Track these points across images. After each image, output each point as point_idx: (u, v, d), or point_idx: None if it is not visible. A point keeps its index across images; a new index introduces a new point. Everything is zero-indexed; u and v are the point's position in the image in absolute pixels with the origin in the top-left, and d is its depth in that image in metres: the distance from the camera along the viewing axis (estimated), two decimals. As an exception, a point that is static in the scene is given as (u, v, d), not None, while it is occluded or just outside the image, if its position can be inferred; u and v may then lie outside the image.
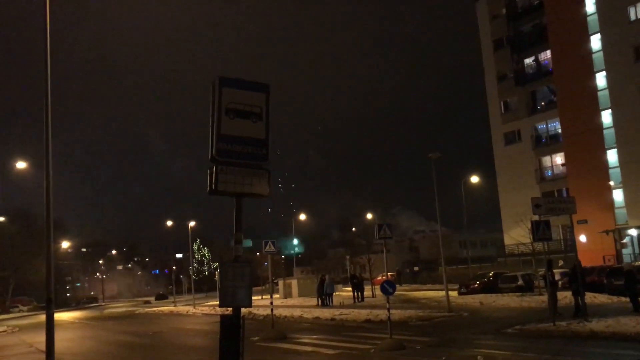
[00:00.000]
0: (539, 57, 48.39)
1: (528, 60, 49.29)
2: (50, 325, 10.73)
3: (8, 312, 58.73)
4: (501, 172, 50.63)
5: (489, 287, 33.34)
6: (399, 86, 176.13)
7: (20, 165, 31.38)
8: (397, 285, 16.85)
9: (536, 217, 17.24)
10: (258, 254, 71.36)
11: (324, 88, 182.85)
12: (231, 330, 4.71)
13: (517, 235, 39.33)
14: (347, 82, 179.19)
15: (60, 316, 44.81)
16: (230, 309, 4.93)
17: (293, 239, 59.25)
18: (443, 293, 27.87)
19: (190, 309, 39.85)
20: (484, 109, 53.28)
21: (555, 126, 47.02)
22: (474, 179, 39.90)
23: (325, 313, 25.49)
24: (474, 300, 27.90)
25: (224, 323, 4.76)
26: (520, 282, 32.10)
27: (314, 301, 34.58)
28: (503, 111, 51.15)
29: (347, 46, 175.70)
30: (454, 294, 31.09)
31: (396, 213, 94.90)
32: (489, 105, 52.40)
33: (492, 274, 36.33)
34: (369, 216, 60.76)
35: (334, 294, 35.03)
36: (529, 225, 18.16)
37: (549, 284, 18.16)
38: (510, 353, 12.26)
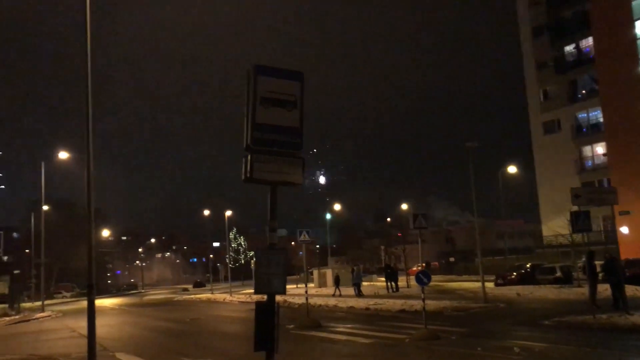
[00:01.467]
0: (580, 44, 47.06)
1: (568, 48, 47.99)
2: (91, 311, 11.09)
3: (52, 298, 60.77)
4: (540, 162, 49.62)
5: (526, 279, 32.89)
6: (436, 75, 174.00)
7: (63, 155, 32.38)
8: (431, 276, 16.73)
9: (576, 208, 16.88)
10: (293, 243, 71.91)
11: (359, 77, 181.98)
12: (266, 316, 4.78)
13: (555, 226, 38.63)
14: (382, 71, 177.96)
15: (102, 302, 46.08)
16: (265, 296, 5.00)
17: (327, 229, 59.48)
18: (479, 284, 27.60)
19: (227, 297, 40.48)
20: (522, 98, 52.29)
21: (597, 115, 45.73)
22: (512, 169, 39.19)
23: (360, 302, 25.55)
24: (510, 291, 27.55)
25: (259, 309, 4.84)
26: (559, 273, 31.55)
27: (349, 291, 34.68)
28: (542, 100, 50.05)
29: (382, 34, 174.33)
30: (490, 285, 30.75)
31: (430, 203, 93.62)
32: (528, 94, 51.32)
33: (530, 265, 35.84)
34: (404, 206, 60.41)
35: (362, 284, 35.22)
36: (568, 216, 17.77)
37: (590, 276, 17.80)
38: (547, 345, 12.08)
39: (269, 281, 4.85)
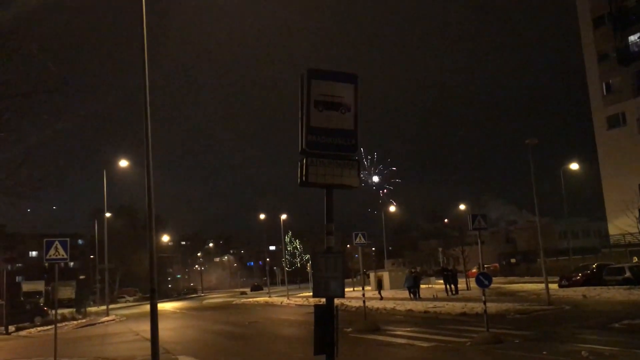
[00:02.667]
0: (646, 34, 44.98)
1: (633, 38, 45.87)
2: (154, 315, 11.34)
3: (116, 302, 62.85)
4: (604, 158, 47.60)
5: (593, 280, 31.61)
6: (492, 71, 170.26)
7: (123, 163, 33.52)
8: (492, 278, 16.29)
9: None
10: (348, 246, 71.81)
11: (413, 76, 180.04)
12: (325, 320, 4.74)
13: (623, 224, 37.02)
14: (436, 67, 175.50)
15: (163, 306, 47.31)
16: (324, 299, 4.96)
17: (383, 231, 59.09)
18: (542, 286, 26.73)
19: (284, 300, 40.78)
20: (584, 92, 50.39)
21: (665, 107, 43.61)
22: (574, 166, 37.82)
23: (419, 305, 25.20)
24: (575, 293, 26.55)
25: (318, 313, 4.81)
26: (628, 274, 30.13)
27: (405, 293, 34.29)
28: (605, 93, 48.02)
29: (435, 30, 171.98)
30: (554, 286, 29.72)
31: (485, 202, 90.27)
32: (589, 87, 49.38)
33: (596, 266, 34.42)
34: (462, 207, 59.33)
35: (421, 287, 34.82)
36: (638, 214, 17.00)
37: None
38: (618, 349, 11.53)
39: (327, 284, 4.81)
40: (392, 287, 43.54)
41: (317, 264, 4.84)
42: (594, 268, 33.92)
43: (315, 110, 4.89)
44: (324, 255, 4.86)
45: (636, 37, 45.70)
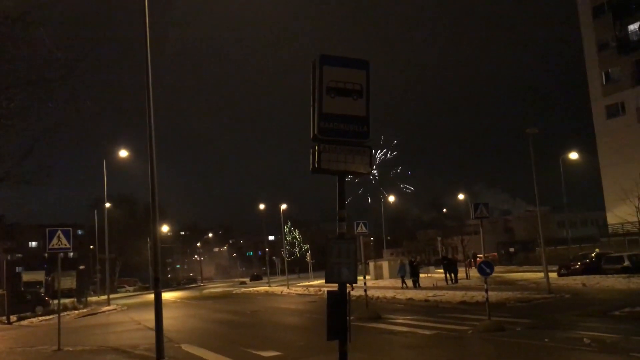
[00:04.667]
0: (645, 23, 44.86)
1: (633, 27, 45.79)
2: (158, 303, 11.39)
3: (116, 292, 62.99)
4: (603, 147, 47.66)
5: (592, 268, 31.78)
6: (491, 59, 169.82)
7: (123, 153, 33.50)
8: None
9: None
10: (347, 235, 71.74)
11: (414, 63, 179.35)
12: (338, 306, 4.77)
13: (622, 213, 37.15)
14: (435, 57, 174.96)
15: (163, 296, 47.19)
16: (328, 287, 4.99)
17: (382, 221, 59.19)
18: (541, 275, 26.89)
19: (284, 290, 40.91)
20: (583, 81, 50.33)
21: (665, 97, 43.60)
22: (573, 155, 37.85)
23: (419, 294, 25.31)
24: (575, 281, 26.70)
25: (330, 299, 4.84)
26: (627, 262, 30.30)
27: (407, 283, 34.39)
28: (604, 82, 48.00)
29: (436, 18, 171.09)
30: (553, 275, 29.87)
31: (479, 191, 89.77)
32: (589, 76, 49.33)
33: (595, 254, 34.57)
34: (461, 196, 59.44)
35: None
36: (637, 203, 17.05)
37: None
38: (619, 336, 11.62)
39: (340, 270, 4.84)
40: (391, 277, 43.74)
41: (330, 250, 4.86)
42: (593, 257, 34.07)
43: (327, 96, 4.89)
44: (337, 241, 4.88)
45: (636, 27, 45.62)
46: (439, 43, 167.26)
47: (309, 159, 4.97)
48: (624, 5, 45.87)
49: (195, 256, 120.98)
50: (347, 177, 5.19)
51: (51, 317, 28.23)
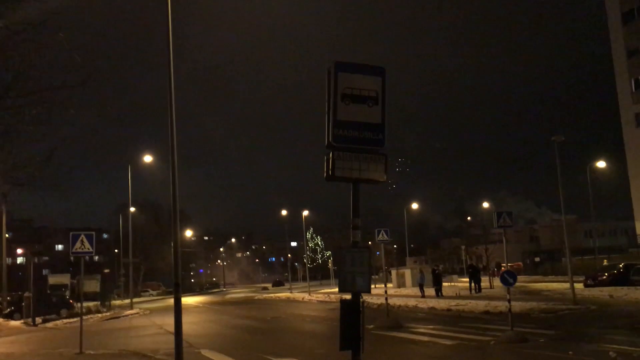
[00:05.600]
0: (676, 29, 43.96)
1: (663, 33, 44.97)
2: (178, 308, 11.40)
3: (140, 296, 63.63)
4: (632, 156, 46.72)
5: (620, 280, 31.06)
6: (518, 67, 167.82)
7: (148, 159, 33.89)
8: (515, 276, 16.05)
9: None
10: (370, 242, 71.76)
11: (435, 68, 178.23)
12: (351, 315, 4.70)
13: (652, 223, 36.28)
14: (460, 63, 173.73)
15: (186, 300, 47.71)
16: (345, 295, 4.93)
17: (405, 228, 58.82)
18: (567, 285, 26.34)
19: (306, 296, 40.86)
20: (612, 88, 49.48)
21: (695, 104, 42.59)
22: (601, 164, 37.14)
23: (441, 303, 25.03)
24: (602, 293, 26.11)
25: (344, 308, 4.77)
26: (656, 274, 29.59)
27: (429, 291, 34.09)
28: (634, 90, 47.08)
29: (460, 24, 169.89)
30: (579, 286, 29.27)
31: (502, 198, 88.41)
32: (617, 83, 48.48)
33: (623, 265, 33.80)
34: (485, 204, 58.77)
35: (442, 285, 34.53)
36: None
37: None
38: (647, 350, 11.29)
39: (354, 280, 4.77)
40: (413, 285, 43.33)
41: (343, 259, 4.80)
42: (620, 268, 33.32)
43: (342, 103, 4.84)
44: (350, 250, 4.82)
45: (667, 32, 44.72)
46: (463, 50, 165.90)
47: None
48: (655, 11, 45.03)
49: (218, 261, 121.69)
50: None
51: (75, 320, 28.53)
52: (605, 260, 43.14)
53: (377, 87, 5.00)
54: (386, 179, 5.05)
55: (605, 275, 32.92)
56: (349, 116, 4.87)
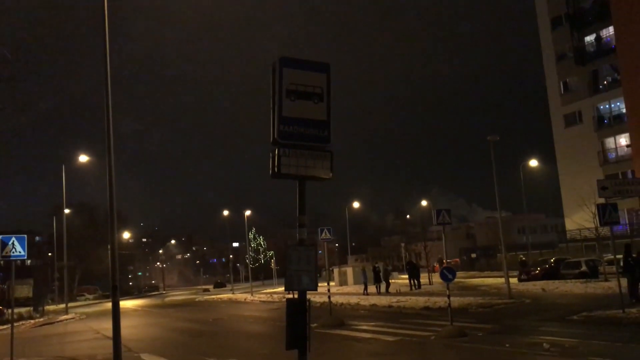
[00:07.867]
0: (601, 34, 46.20)
1: (589, 38, 47.15)
2: (116, 312, 11.03)
3: (75, 300, 61.35)
4: (561, 155, 48.87)
5: (551, 274, 32.44)
6: (453, 69, 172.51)
7: (83, 159, 32.65)
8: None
9: (602, 201, 16.55)
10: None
11: (377, 72, 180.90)
12: (298, 314, 4.65)
13: (579, 219, 38.08)
14: (399, 64, 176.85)
15: (124, 304, 46.36)
16: (293, 293, 4.88)
17: (346, 227, 59.32)
18: (502, 280, 27.26)
19: (248, 297, 40.50)
20: (542, 90, 51.58)
21: (619, 106, 44.88)
22: (533, 163, 38.67)
23: (382, 300, 25.36)
24: (535, 287, 27.17)
25: (290, 307, 4.71)
26: (584, 268, 31.07)
27: (370, 288, 34.47)
28: (562, 92, 49.26)
29: (402, 28, 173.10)
30: (513, 281, 30.35)
31: (434, 195, 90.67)
32: (548, 86, 50.56)
33: (554, 260, 35.31)
34: (424, 203, 60.03)
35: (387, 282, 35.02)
36: (593, 209, 17.45)
37: (628, 269, 17.49)
38: (577, 340, 11.81)
39: (300, 278, 4.72)
40: (355, 283, 43.81)
41: (290, 258, 4.74)
42: (552, 262, 34.77)
43: (288, 99, 4.78)
44: (297, 247, 4.77)
45: (592, 38, 46.99)
46: (405, 51, 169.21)
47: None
48: (581, 17, 47.21)
49: (158, 263, 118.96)
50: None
51: (5, 327, 27.20)
52: (521, 257, 45.13)
53: (322, 83, 4.96)
54: (332, 176, 5.02)
55: (537, 270, 34.26)
56: (294, 112, 4.81)
